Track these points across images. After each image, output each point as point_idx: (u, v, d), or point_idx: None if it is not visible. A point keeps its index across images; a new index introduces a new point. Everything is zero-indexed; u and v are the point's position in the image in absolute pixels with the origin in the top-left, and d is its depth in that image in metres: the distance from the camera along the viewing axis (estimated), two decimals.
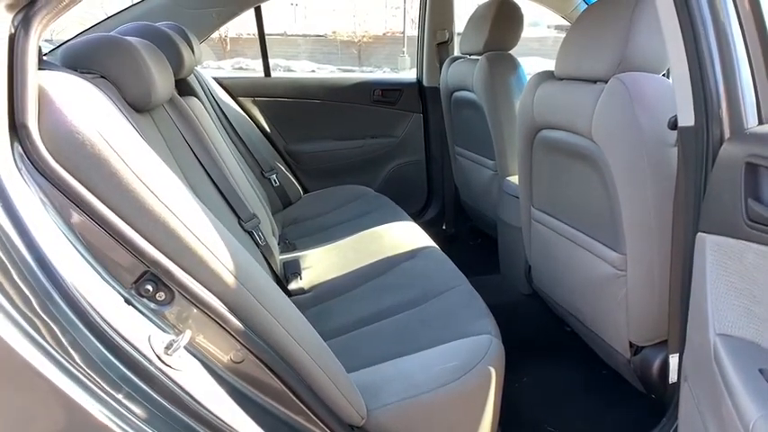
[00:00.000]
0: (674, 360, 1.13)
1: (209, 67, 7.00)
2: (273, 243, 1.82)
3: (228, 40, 13.87)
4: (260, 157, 2.45)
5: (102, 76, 1.13)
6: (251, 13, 2.58)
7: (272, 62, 2.79)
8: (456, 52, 2.72)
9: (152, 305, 0.82)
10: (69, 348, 0.72)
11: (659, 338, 1.30)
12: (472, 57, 2.33)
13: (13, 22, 0.74)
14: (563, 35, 1.54)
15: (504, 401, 1.22)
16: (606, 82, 1.26)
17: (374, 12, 15.58)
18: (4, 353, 0.68)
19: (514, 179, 2.02)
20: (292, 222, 2.31)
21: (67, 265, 0.74)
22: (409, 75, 3.47)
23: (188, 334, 0.82)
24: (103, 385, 0.73)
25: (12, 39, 0.74)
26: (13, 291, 0.70)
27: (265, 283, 0.96)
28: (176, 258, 0.81)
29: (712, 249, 0.91)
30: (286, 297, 1.03)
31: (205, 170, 1.56)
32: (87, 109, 0.80)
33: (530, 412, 1.61)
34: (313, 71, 12.28)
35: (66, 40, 1.85)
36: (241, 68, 10.77)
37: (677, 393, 1.10)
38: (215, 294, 0.84)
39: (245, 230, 1.61)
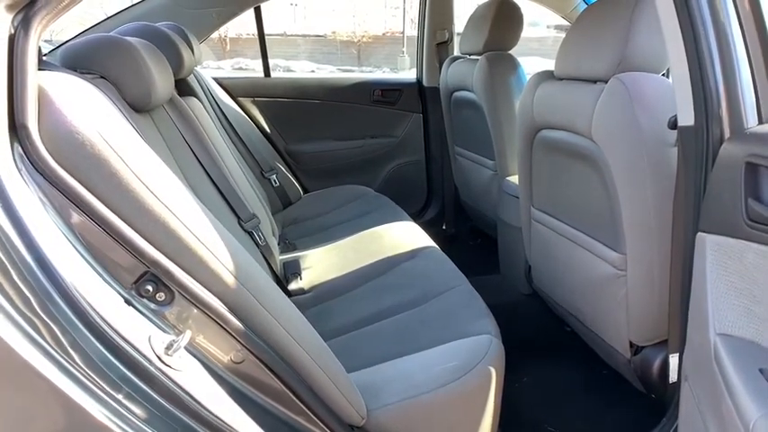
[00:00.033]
0: (674, 360, 1.13)
1: (209, 68, 7.01)
2: (273, 243, 1.82)
3: (228, 40, 13.87)
4: (260, 158, 2.45)
5: (101, 77, 1.13)
6: (251, 13, 2.58)
7: (271, 62, 2.79)
8: (456, 52, 2.72)
9: (152, 305, 0.82)
10: (69, 349, 0.72)
11: (659, 338, 1.30)
12: (472, 57, 2.33)
13: (12, 22, 0.74)
14: (563, 35, 1.54)
15: (504, 401, 1.22)
16: (606, 82, 1.26)
17: (374, 12, 15.59)
18: (4, 353, 0.68)
19: (514, 179, 2.02)
20: (292, 222, 2.31)
21: (67, 265, 0.74)
22: (409, 75, 3.47)
23: (188, 334, 0.82)
24: (103, 385, 0.73)
25: (11, 39, 0.74)
26: (12, 291, 0.70)
27: (265, 283, 0.96)
28: (176, 258, 0.81)
29: (712, 249, 0.91)
30: (286, 297, 1.03)
31: (205, 170, 1.56)
32: (87, 109, 0.80)
33: (530, 412, 1.61)
34: (313, 71, 12.29)
35: (65, 40, 1.85)
36: (241, 68, 10.77)
37: (677, 393, 1.10)
38: (215, 294, 0.84)
39: (244, 230, 1.61)
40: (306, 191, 2.68)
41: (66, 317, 0.73)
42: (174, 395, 0.79)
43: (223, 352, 0.87)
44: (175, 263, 0.81)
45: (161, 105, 1.47)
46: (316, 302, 1.58)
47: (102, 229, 0.78)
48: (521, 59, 2.21)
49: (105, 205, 0.77)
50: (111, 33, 1.38)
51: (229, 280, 0.85)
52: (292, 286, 1.66)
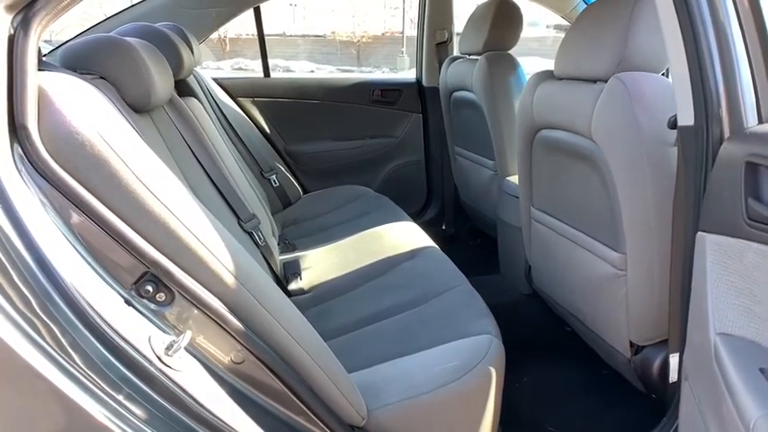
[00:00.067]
0: (674, 359, 1.13)
1: (209, 68, 7.00)
2: (273, 243, 1.82)
3: (228, 40, 13.86)
4: (259, 158, 2.45)
5: (101, 77, 1.13)
6: (250, 13, 2.58)
7: (271, 62, 2.79)
8: (455, 52, 2.72)
9: (152, 306, 0.82)
10: (69, 349, 0.72)
11: (659, 338, 1.29)
12: (471, 57, 2.33)
13: (12, 22, 0.74)
14: (562, 35, 1.54)
15: (505, 401, 1.22)
16: (606, 81, 1.26)
17: (373, 12, 15.59)
18: (5, 354, 0.68)
19: (514, 179, 2.02)
20: (292, 223, 2.31)
21: (67, 265, 0.74)
22: (408, 75, 3.47)
23: (188, 335, 0.82)
24: (104, 386, 0.73)
25: (11, 39, 0.74)
26: (13, 292, 0.70)
27: (265, 283, 0.96)
28: (176, 259, 0.81)
29: (712, 249, 0.91)
30: (286, 297, 1.03)
31: (205, 171, 1.56)
32: (87, 110, 0.80)
33: (530, 412, 1.61)
34: (312, 71, 12.28)
35: (65, 40, 1.85)
36: (240, 69, 10.76)
37: (678, 393, 1.10)
38: (215, 295, 0.84)
39: (244, 231, 1.61)
40: (305, 191, 2.68)
41: (66, 317, 0.73)
42: (174, 396, 0.79)
43: (223, 352, 0.87)
44: (175, 263, 0.81)
45: (161, 106, 1.47)
46: (316, 303, 1.58)
47: (102, 229, 0.78)
48: (520, 59, 2.21)
49: (105, 206, 0.78)
50: (110, 34, 1.38)
51: (229, 280, 0.85)
52: (292, 286, 1.66)
